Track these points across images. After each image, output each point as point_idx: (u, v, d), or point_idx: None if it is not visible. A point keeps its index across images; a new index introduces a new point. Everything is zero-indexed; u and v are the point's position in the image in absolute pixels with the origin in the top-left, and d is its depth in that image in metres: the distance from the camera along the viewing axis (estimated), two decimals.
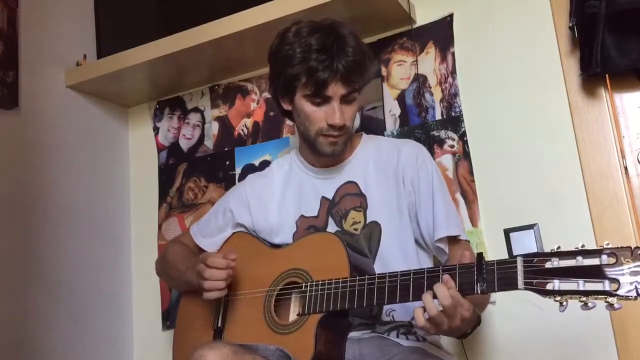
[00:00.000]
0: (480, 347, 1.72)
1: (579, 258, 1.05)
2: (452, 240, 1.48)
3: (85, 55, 2.22)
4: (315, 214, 1.54)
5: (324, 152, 1.50)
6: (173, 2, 2.22)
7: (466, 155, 1.82)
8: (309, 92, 1.44)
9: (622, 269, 1.01)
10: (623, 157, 1.65)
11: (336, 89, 1.43)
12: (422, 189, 1.49)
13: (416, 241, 1.51)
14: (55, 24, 2.16)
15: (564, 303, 1.05)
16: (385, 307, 1.45)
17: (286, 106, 1.54)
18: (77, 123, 2.19)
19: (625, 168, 1.65)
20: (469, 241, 1.53)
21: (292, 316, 1.40)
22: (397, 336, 1.43)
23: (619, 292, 1.00)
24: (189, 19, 2.01)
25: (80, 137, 2.19)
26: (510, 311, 1.69)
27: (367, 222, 1.49)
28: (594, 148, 1.67)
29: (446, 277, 1.17)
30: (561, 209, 1.68)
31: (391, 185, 1.51)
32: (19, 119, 1.98)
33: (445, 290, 1.15)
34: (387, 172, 1.53)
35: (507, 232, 1.72)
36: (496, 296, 1.71)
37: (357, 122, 1.93)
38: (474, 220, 1.77)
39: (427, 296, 1.17)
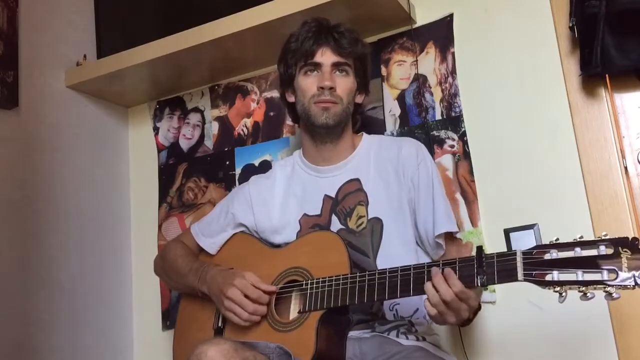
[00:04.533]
0: (480, 347, 1.72)
1: (577, 249, 1.06)
2: (449, 236, 1.52)
3: (85, 55, 2.21)
4: (319, 213, 1.55)
5: (318, 123, 1.52)
6: (173, 2, 2.22)
7: (466, 155, 1.82)
8: (302, 63, 1.53)
9: (620, 259, 1.02)
10: (623, 157, 1.65)
11: (326, 56, 1.52)
12: (422, 185, 1.52)
13: None
14: (55, 23, 2.16)
15: (564, 294, 1.05)
16: (389, 302, 1.46)
17: (289, 97, 1.61)
18: (77, 123, 2.19)
19: (625, 168, 1.65)
20: (461, 239, 1.60)
21: (293, 314, 1.40)
22: (398, 336, 1.43)
23: (617, 282, 1.01)
24: (189, 19, 2.01)
25: (80, 137, 2.19)
26: (510, 311, 1.69)
27: (369, 218, 1.50)
28: (594, 148, 1.67)
29: (447, 270, 1.18)
30: (561, 209, 1.68)
31: (392, 180, 1.53)
32: (19, 119, 1.97)
33: (445, 285, 1.17)
34: (388, 168, 1.55)
35: (507, 232, 1.72)
36: (496, 296, 1.71)
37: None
38: (474, 220, 1.77)
39: (428, 285, 1.19)
